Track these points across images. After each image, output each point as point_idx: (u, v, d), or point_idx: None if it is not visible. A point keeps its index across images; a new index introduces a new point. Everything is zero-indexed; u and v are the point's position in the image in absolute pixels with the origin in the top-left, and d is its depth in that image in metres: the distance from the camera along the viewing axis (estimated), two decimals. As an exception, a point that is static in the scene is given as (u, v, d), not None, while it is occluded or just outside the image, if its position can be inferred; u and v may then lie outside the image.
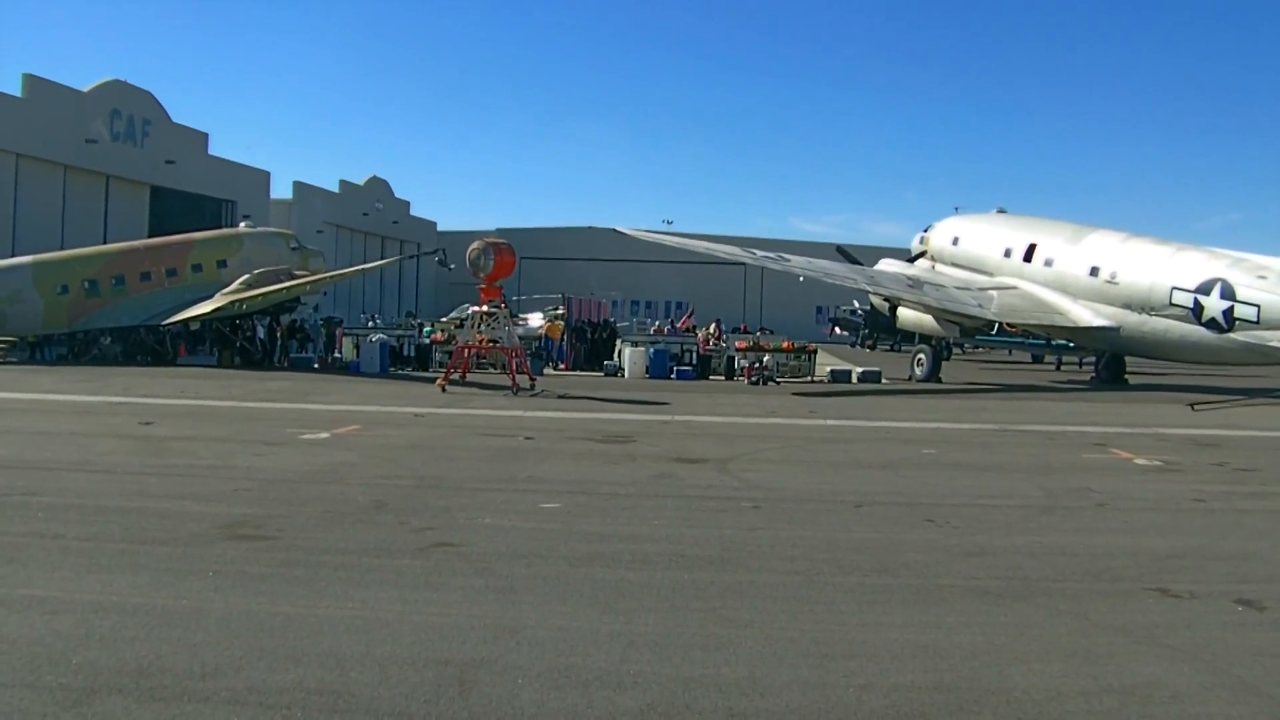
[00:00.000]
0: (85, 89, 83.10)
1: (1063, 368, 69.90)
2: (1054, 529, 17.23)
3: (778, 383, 49.93)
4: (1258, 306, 44.95)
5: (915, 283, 54.29)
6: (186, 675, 9.52)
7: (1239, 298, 45.52)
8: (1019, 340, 61.08)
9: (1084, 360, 64.06)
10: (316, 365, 56.23)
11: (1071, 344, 56.58)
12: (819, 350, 58.47)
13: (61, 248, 66.70)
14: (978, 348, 77.18)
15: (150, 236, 72.77)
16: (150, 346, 57.91)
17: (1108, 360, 55.18)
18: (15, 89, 77.35)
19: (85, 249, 62.77)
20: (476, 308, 47.28)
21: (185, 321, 57.05)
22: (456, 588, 12.66)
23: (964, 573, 13.97)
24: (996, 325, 54.38)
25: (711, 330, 63.56)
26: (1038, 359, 75.03)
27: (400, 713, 8.81)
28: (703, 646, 10.54)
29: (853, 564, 14.23)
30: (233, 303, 55.02)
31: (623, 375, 53.17)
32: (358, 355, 54.88)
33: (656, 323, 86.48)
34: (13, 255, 62.28)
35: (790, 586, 13.01)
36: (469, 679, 9.54)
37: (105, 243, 70.16)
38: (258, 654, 10.12)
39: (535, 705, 8.98)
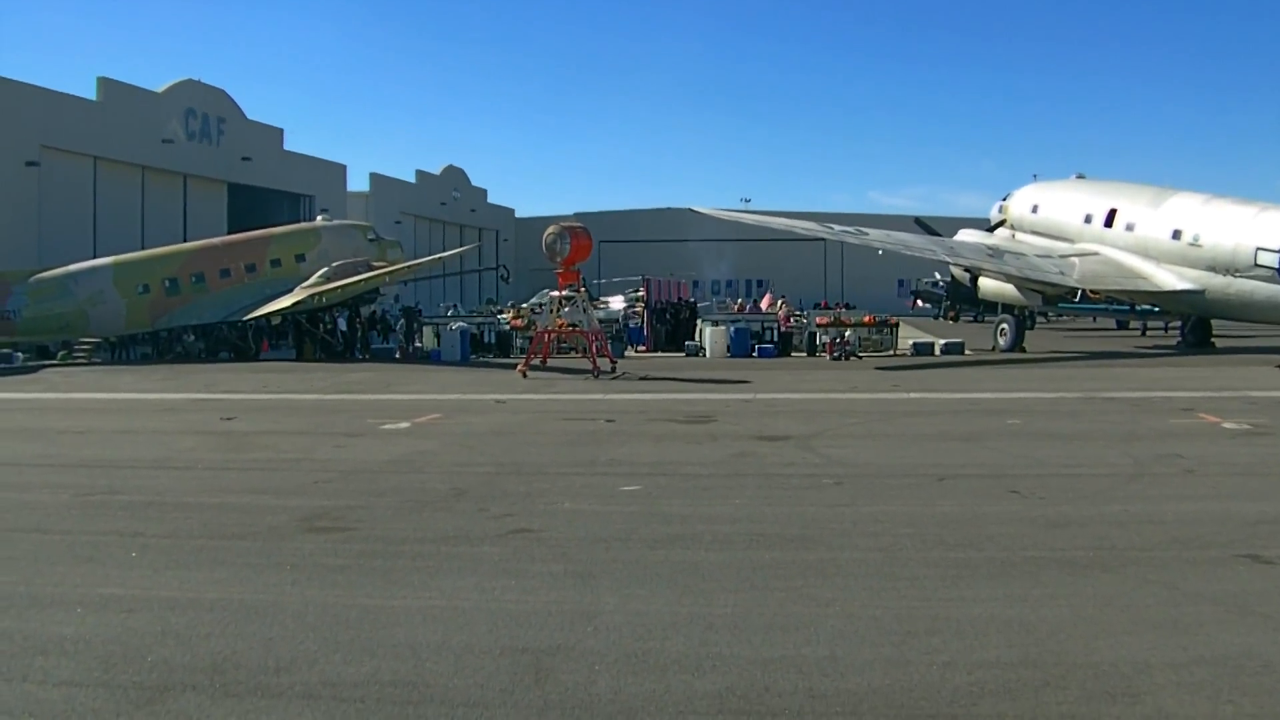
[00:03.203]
0: (159, 89, 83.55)
1: (1148, 333, 69.01)
2: (1141, 497, 16.98)
3: (860, 357, 49.66)
4: (1346, 265, 44.32)
5: (995, 252, 53.85)
6: (261, 670, 9.46)
7: (1327, 257, 44.89)
8: (1102, 307, 60.22)
9: (1169, 325, 63.26)
10: (397, 355, 56.37)
11: (1156, 309, 55.82)
12: (901, 323, 57.94)
13: (141, 248, 67.00)
14: (1061, 316, 76.31)
15: (229, 233, 73.07)
16: (232, 342, 58.26)
17: (1193, 324, 54.62)
18: (91, 93, 77.87)
19: (164, 248, 63.07)
20: (555, 292, 47.18)
21: (266, 316, 57.27)
22: (535, 574, 12.56)
23: (1049, 544, 13.76)
24: (1079, 292, 53.70)
25: (779, 307, 63.23)
26: (1122, 325, 74.17)
27: (475, 703, 8.70)
28: (782, 627, 10.39)
29: (936, 538, 14.03)
30: (312, 296, 55.11)
31: (704, 355, 52.97)
32: (438, 344, 54.95)
33: (739, 300, 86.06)
34: (94, 257, 62.65)
35: (872, 563, 12.84)
36: (545, 666, 9.43)
37: (184, 241, 70.53)
38: (333, 647, 10.06)
39: (612, 692, 8.85)
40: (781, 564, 12.81)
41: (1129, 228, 52.37)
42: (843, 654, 9.63)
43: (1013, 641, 9.95)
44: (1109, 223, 53.35)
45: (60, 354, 58.13)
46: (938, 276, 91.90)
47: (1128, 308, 59.46)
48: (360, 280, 55.51)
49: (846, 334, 51.29)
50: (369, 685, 9.08)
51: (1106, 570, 12.42)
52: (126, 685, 9.18)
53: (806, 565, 12.75)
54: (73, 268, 56.70)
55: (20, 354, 56.62)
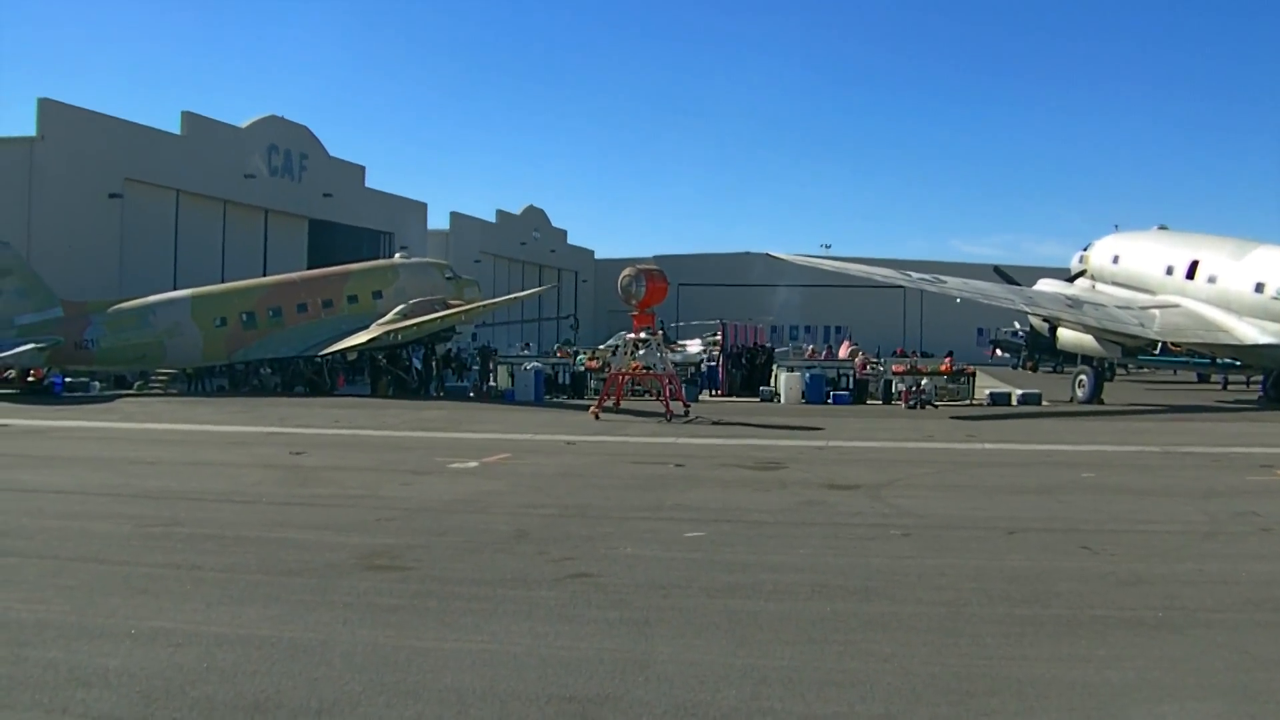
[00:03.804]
0: (243, 125, 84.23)
1: (1229, 387, 68.21)
2: (1215, 555, 16.64)
3: (935, 406, 49.27)
4: None
5: (1075, 302, 53.35)
6: (302, 711, 9.33)
7: None
8: (1183, 360, 59.58)
9: (1250, 379, 62.52)
10: (471, 394, 56.36)
11: (1238, 362, 55.14)
12: (978, 372, 57.51)
13: (222, 281, 67.54)
14: (1141, 368, 75.47)
15: (310, 268, 73.47)
16: (308, 377, 58.44)
17: (1276, 378, 53.90)
18: (175, 126, 78.55)
19: (243, 282, 63.59)
20: (630, 334, 47.08)
21: (342, 352, 57.45)
22: (590, 620, 12.39)
23: (1118, 603, 13.45)
24: (1159, 345, 53.11)
25: (854, 354, 62.88)
26: (1203, 378, 73.23)
27: (515, 753, 8.54)
28: (838, 683, 10.16)
29: (1002, 594, 13.75)
30: (388, 332, 55.29)
31: (778, 401, 52.69)
32: (513, 383, 54.89)
33: (810, 346, 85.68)
34: (174, 289, 63.15)
35: (935, 618, 12.57)
36: (591, 716, 9.25)
37: (264, 275, 70.99)
38: (378, 689, 9.92)
39: (658, 745, 8.66)
40: (842, 616, 12.59)
41: (1211, 280, 51.77)
42: (898, 712, 9.41)
43: (1073, 704, 9.69)
44: (1190, 274, 52.75)
45: (137, 384, 58.53)
46: (1017, 326, 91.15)
47: (1208, 361, 58.76)
48: (436, 318, 55.64)
49: (923, 382, 50.91)
50: (410, 730, 8.93)
51: (1176, 631, 12.13)
52: (165, 722, 9.08)
53: (867, 618, 12.52)
54: (151, 299, 57.16)
55: (98, 383, 57.04)
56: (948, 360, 59.08)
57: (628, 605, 13.00)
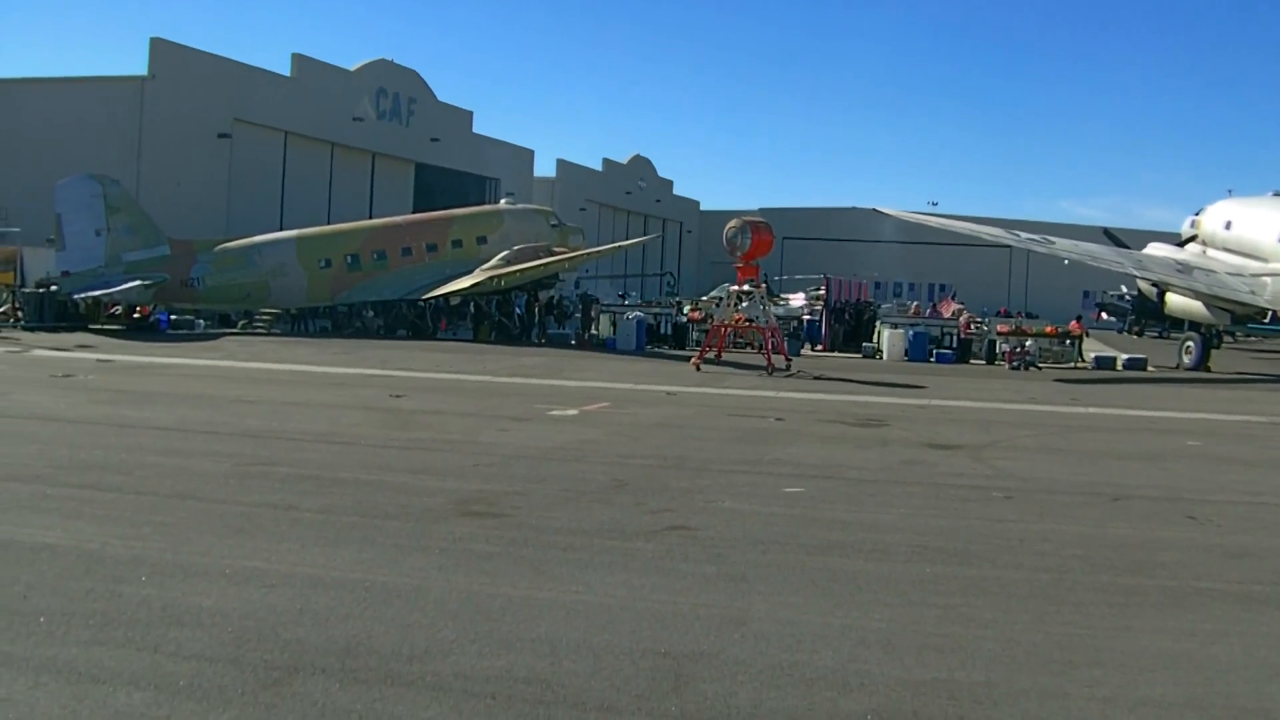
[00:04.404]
0: (352, 68, 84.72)
1: (1339, 358, 67.23)
2: (1326, 530, 16.25)
3: (1040, 368, 48.73)
4: None
5: (1185, 267, 52.54)
6: (394, 657, 9.25)
7: None
8: (1293, 329, 58.64)
9: (1361, 350, 61.47)
10: (573, 342, 56.28)
11: (1350, 333, 54.16)
12: (1085, 335, 56.74)
13: (328, 223, 67.92)
14: (1249, 336, 74.27)
15: (415, 212, 73.72)
16: (410, 320, 58.64)
17: (1388, 350, 53.00)
18: (285, 68, 78.99)
19: (348, 224, 63.93)
20: (734, 286, 46.83)
21: (445, 296, 57.57)
22: (686, 574, 12.26)
23: (1225, 575, 13.16)
24: (1270, 313, 52.19)
25: (959, 313, 62.36)
26: (1314, 348, 72.23)
27: (609, 707, 8.41)
28: (937, 647, 9.97)
29: (1105, 562, 13.49)
30: (491, 278, 55.32)
31: (881, 357, 52.43)
32: (614, 332, 54.84)
33: (915, 303, 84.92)
34: (280, 229, 63.56)
35: (1037, 584, 12.34)
36: (686, 673, 9.09)
37: (371, 218, 71.28)
38: (470, 637, 9.83)
39: (752, 705, 8.51)
40: (942, 579, 12.37)
41: (1326, 248, 50.80)
42: (998, 680, 9.20)
43: (1179, 679, 9.45)
44: (1306, 242, 51.79)
45: (241, 323, 59.11)
46: (1124, 290, 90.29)
47: (1319, 331, 57.82)
48: (540, 265, 55.66)
49: (1027, 344, 50.39)
50: (502, 681, 8.83)
51: (1284, 608, 11.83)
52: (256, 663, 9.04)
53: (967, 582, 12.31)
54: (257, 239, 57.68)
55: (202, 321, 57.72)
56: (1076, 323, 58.37)
57: (725, 560, 12.86)
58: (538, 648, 9.57)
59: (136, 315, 55.31)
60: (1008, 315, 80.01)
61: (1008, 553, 13.84)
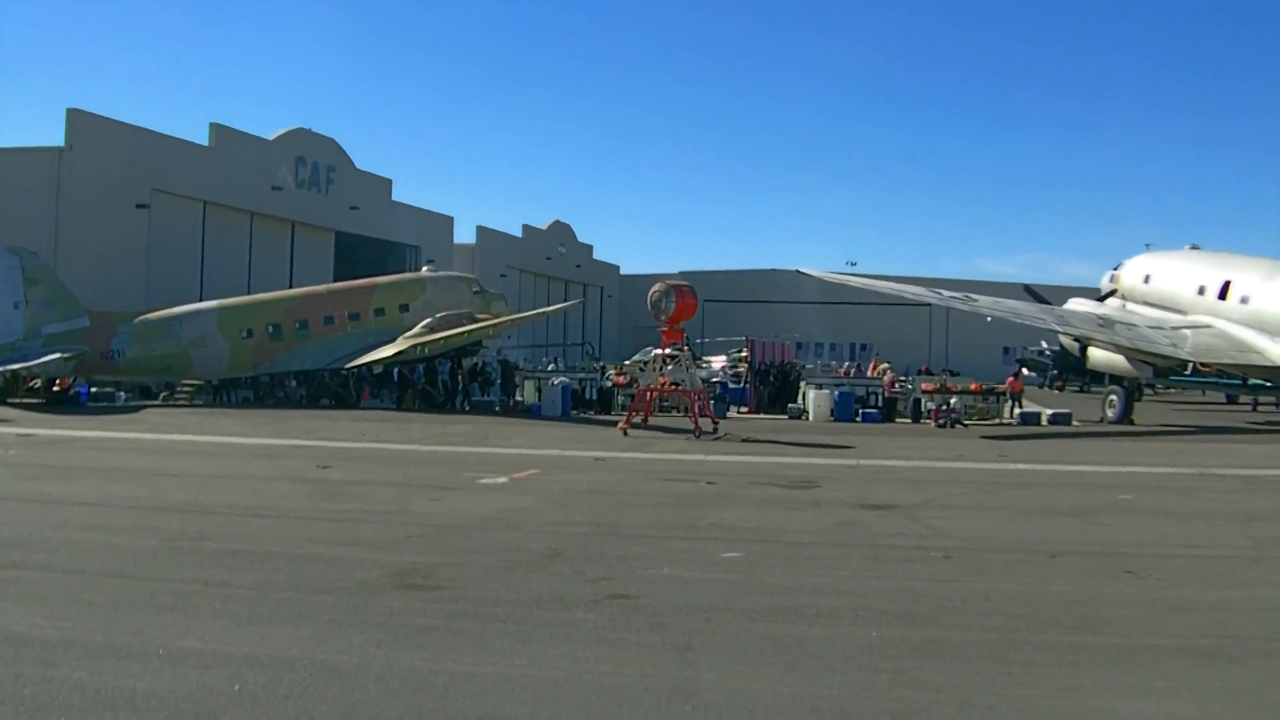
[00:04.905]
0: (271, 137, 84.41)
1: (1259, 408, 67.90)
2: (1265, 582, 16.30)
3: (965, 425, 48.94)
4: None
5: (1106, 322, 53.06)
6: (339, 740, 9.00)
7: None
8: (1213, 380, 59.14)
9: (1281, 400, 62.08)
10: (498, 409, 56.14)
11: (1269, 384, 54.67)
12: (1008, 392, 57.04)
13: (249, 292, 67.62)
14: (1169, 388, 74.94)
15: (336, 281, 73.58)
16: (334, 389, 58.42)
17: (1308, 400, 53.51)
18: (203, 138, 78.65)
19: (269, 294, 63.78)
20: (659, 350, 46.79)
21: (369, 365, 57.36)
22: (631, 644, 12.07)
23: (1171, 630, 13.11)
24: (1190, 365, 52.63)
25: (884, 372, 62.67)
26: (1232, 399, 72.84)
27: (561, 788, 8.22)
28: (892, 713, 9.85)
29: (1051, 620, 13.41)
30: (415, 346, 55.25)
31: (807, 418, 52.49)
32: (539, 398, 54.70)
33: (845, 364, 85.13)
34: (200, 300, 63.24)
35: (985, 645, 12.23)
36: (639, 748, 8.91)
37: (292, 287, 71.05)
38: (415, 716, 9.64)
39: (710, 780, 8.33)
40: (889, 642, 12.23)
41: (1243, 300, 51.32)
42: (957, 747, 9.06)
43: (1139, 740, 9.34)
44: (1223, 295, 52.28)
45: (162, 395, 58.82)
46: (1044, 345, 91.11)
47: (1240, 382, 58.35)
48: (464, 332, 55.64)
49: (952, 401, 50.61)
50: (452, 761, 8.61)
51: (1234, 661, 11.77)
52: (195, 751, 8.77)
53: (915, 645, 12.17)
54: (178, 310, 57.43)
55: (123, 393, 57.29)
56: (1013, 380, 58.75)
57: (668, 628, 12.68)
58: (485, 725, 9.35)
59: (56, 388, 54.81)
60: (929, 373, 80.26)
61: (952, 613, 13.73)
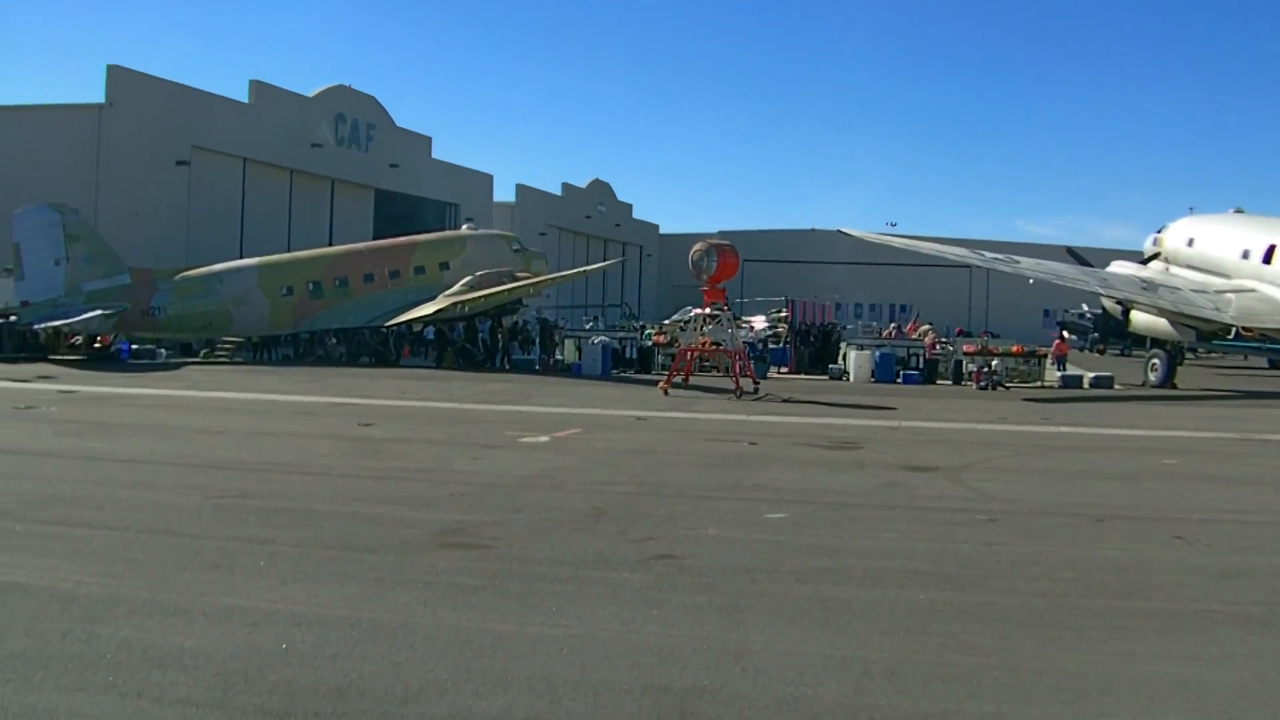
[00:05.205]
0: (310, 94, 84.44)
1: (1302, 373, 67.49)
2: (1315, 547, 16.09)
3: (1006, 388, 48.74)
4: None
5: (1149, 285, 52.62)
6: (387, 698, 8.95)
7: None
8: (1256, 345, 58.69)
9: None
10: (538, 367, 56.14)
11: (1312, 348, 54.25)
12: (1051, 354, 56.71)
13: (288, 250, 67.66)
14: (1211, 353, 74.47)
15: (375, 238, 73.58)
16: (373, 347, 58.53)
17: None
18: (243, 95, 78.70)
19: (310, 251, 63.81)
20: (699, 310, 46.67)
21: (409, 323, 57.37)
22: (678, 605, 11.99)
23: (1221, 596, 12.96)
24: (1233, 330, 52.23)
25: (925, 333, 62.45)
26: (1274, 364, 72.32)
27: (614, 748, 8.15)
28: (943, 677, 9.71)
29: (1099, 585, 13.28)
30: (455, 304, 55.23)
31: (848, 379, 52.41)
32: (579, 357, 54.75)
33: (893, 325, 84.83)
34: (240, 257, 63.37)
35: (1034, 609, 12.11)
36: (689, 710, 8.82)
37: (331, 245, 71.12)
38: (464, 675, 9.53)
39: (762, 742, 8.25)
40: (937, 606, 12.12)
41: (1288, 264, 50.87)
42: (1009, 711, 8.96)
43: (1191, 707, 9.23)
44: (1267, 259, 51.77)
45: (203, 352, 58.84)
46: (1085, 308, 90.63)
47: (1283, 346, 57.94)
48: (504, 290, 55.58)
49: (994, 363, 50.36)
50: (501, 721, 8.54)
51: (1286, 629, 11.62)
52: (245, 708, 8.72)
53: (964, 609, 12.06)
54: (218, 267, 57.52)
55: (164, 350, 57.31)
56: (1059, 343, 58.59)
57: (715, 589, 12.60)
58: (534, 686, 9.27)
59: (97, 345, 54.96)
60: (964, 335, 79.99)
61: (999, 577, 13.62)
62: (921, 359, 53.89)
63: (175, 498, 18.19)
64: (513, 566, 13.59)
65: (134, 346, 55.98)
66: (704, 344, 45.29)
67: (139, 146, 68.48)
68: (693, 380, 45.78)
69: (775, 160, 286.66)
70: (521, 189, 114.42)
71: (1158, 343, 55.55)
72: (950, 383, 51.98)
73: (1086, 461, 25.76)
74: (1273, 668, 10.25)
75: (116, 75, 68.99)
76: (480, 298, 55.12)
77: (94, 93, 69.99)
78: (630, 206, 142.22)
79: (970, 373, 50.82)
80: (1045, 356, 54.65)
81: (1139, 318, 55.62)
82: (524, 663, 9.90)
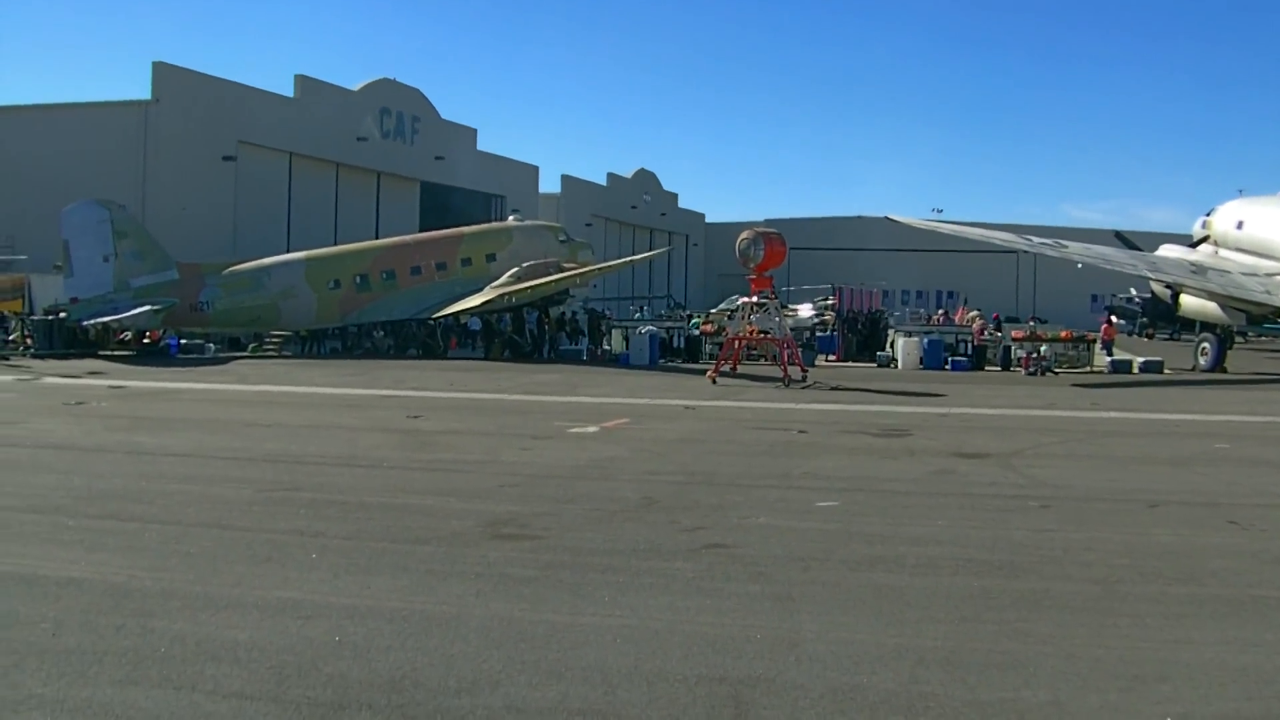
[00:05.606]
0: (355, 88, 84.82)
1: (1353, 358, 66.90)
2: (1372, 534, 15.94)
3: (1056, 373, 48.56)
4: None
5: (1199, 269, 52.27)
6: (441, 690, 8.94)
7: None
8: (1308, 329, 58.32)
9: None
10: (586, 358, 56.16)
11: (1364, 333, 53.82)
12: (1099, 339, 56.42)
13: (335, 243, 67.86)
14: (1260, 336, 73.95)
15: (421, 231, 73.72)
16: (421, 340, 58.70)
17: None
18: (288, 89, 78.99)
19: (356, 244, 64.06)
20: (746, 299, 46.60)
21: (456, 315, 57.47)
22: (731, 594, 11.94)
23: (1277, 582, 12.85)
24: (1285, 313, 51.84)
25: (973, 320, 62.24)
26: (1326, 349, 71.80)
27: (671, 738, 8.12)
28: (999, 665, 9.65)
29: (1154, 571, 13.18)
30: (502, 295, 55.25)
31: (895, 366, 52.25)
32: (627, 347, 54.72)
33: (942, 311, 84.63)
34: (287, 251, 63.59)
35: (1089, 596, 12.02)
36: (745, 699, 8.79)
37: (377, 238, 71.38)
38: (518, 667, 9.51)
39: (818, 731, 8.21)
40: (992, 593, 12.06)
41: (1340, 247, 50.48)
42: (1066, 699, 8.88)
43: (1251, 694, 9.13)
44: (1319, 241, 51.43)
45: (251, 346, 59.17)
46: (1133, 292, 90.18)
47: (1335, 331, 57.54)
48: (551, 281, 55.57)
49: (1043, 349, 50.16)
50: (556, 713, 8.51)
51: (1346, 616, 11.51)
52: (299, 701, 8.71)
53: (1019, 596, 11.99)
54: (265, 261, 57.74)
55: (212, 345, 57.56)
56: (1107, 327, 58.33)
57: (768, 578, 12.56)
58: (589, 676, 9.26)
59: (146, 340, 55.42)
60: (1007, 322, 79.53)
61: (1053, 564, 13.54)
62: (969, 345, 53.71)
63: (226, 491, 18.22)
64: (564, 557, 13.57)
65: (183, 341, 56.27)
66: (752, 332, 45.22)
67: (185, 142, 68.92)
68: (741, 369, 45.71)
69: (820, 147, 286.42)
70: (567, 180, 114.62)
71: (1207, 327, 55.14)
72: (999, 369, 51.80)
73: (1137, 447, 25.63)
74: (1334, 654, 10.16)
75: (162, 72, 69.42)
76: (527, 289, 55.14)
77: (140, 89, 70.58)
78: (676, 196, 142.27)
79: (1019, 359, 50.62)
80: (1094, 341, 54.35)
81: (1188, 301, 55.24)
82: (578, 653, 9.88)
